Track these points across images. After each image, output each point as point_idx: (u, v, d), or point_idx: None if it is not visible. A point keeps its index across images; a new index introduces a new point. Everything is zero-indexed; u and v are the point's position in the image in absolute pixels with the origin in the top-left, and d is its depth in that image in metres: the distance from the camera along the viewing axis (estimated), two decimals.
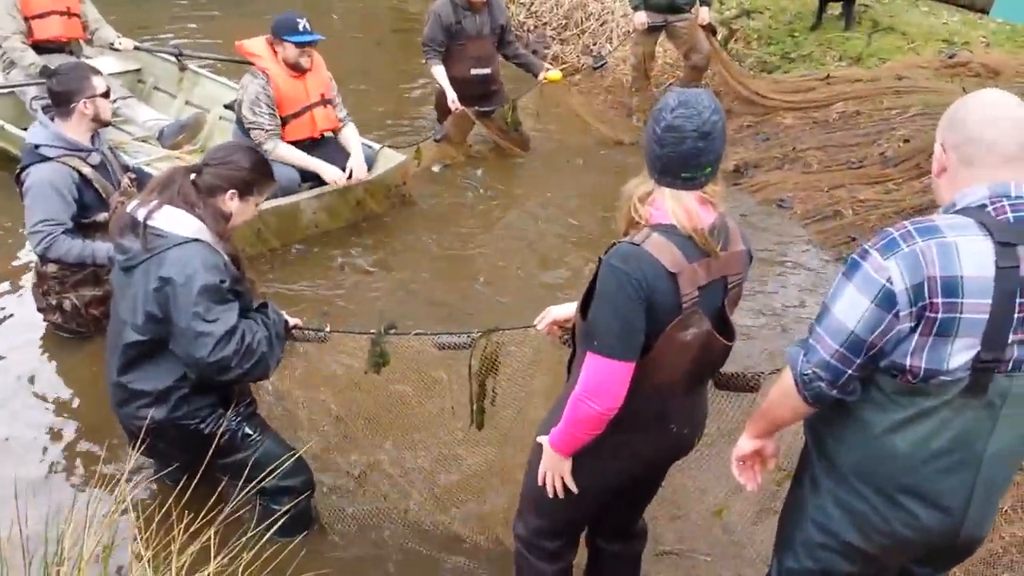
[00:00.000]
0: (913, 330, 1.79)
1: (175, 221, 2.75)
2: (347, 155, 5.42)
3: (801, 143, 6.83)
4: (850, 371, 1.88)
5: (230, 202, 2.90)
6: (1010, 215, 1.76)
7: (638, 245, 2.05)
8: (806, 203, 6.10)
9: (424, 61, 6.39)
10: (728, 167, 6.71)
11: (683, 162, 2.05)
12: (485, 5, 6.28)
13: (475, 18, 6.27)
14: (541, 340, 2.89)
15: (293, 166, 5.21)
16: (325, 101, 5.37)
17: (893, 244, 1.79)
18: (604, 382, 2.10)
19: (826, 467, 2.09)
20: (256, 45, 5.17)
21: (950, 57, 7.76)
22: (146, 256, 2.73)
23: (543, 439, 2.32)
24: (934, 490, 1.93)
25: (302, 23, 5.05)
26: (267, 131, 5.10)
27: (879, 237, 1.83)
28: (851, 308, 1.83)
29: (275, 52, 5.14)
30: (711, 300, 2.16)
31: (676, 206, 2.09)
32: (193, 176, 2.85)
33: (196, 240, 2.75)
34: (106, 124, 3.98)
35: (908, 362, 1.82)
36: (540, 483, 2.38)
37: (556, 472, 2.33)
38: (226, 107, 5.63)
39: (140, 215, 2.76)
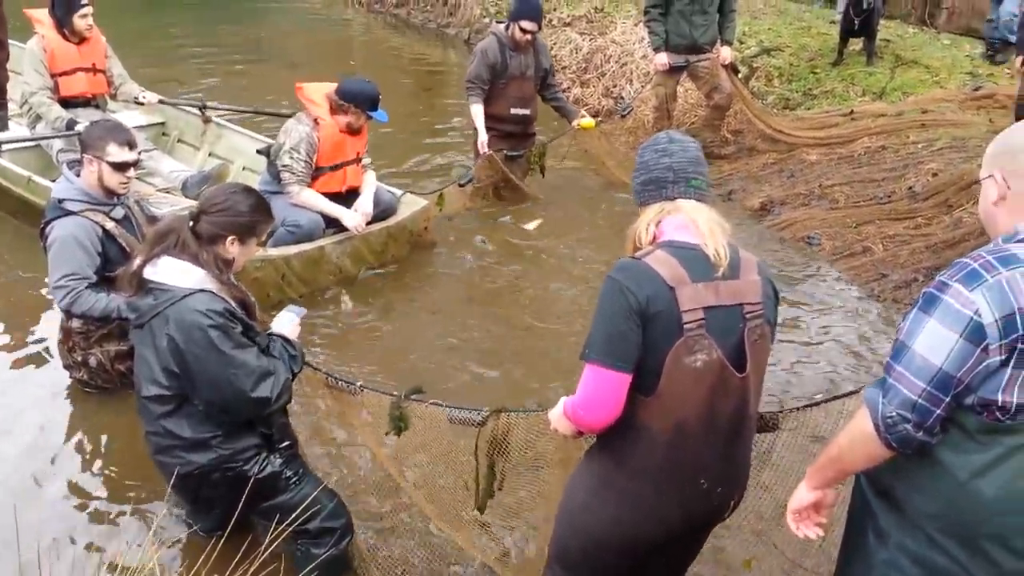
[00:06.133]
0: (1004, 364, 1.71)
1: (177, 273, 2.74)
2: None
3: (827, 179, 6.76)
4: (939, 411, 1.78)
5: (231, 247, 2.88)
6: None
7: (638, 259, 2.08)
8: (834, 240, 6.02)
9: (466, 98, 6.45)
10: (755, 205, 6.67)
11: (693, 166, 2.19)
12: (531, 46, 6.35)
13: (520, 59, 6.36)
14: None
15: (315, 210, 5.25)
16: (358, 159, 5.46)
17: (976, 275, 1.72)
18: (595, 392, 2.09)
19: (894, 517, 1.97)
20: (316, 93, 5.26)
21: (975, 89, 7.71)
22: (153, 313, 2.73)
23: (558, 407, 2.29)
24: (1018, 533, 1.82)
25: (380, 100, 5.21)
26: (297, 176, 5.17)
27: (956, 268, 1.76)
28: (936, 344, 1.74)
29: (333, 108, 5.21)
30: (725, 329, 2.09)
31: (693, 214, 2.15)
32: (192, 224, 2.84)
33: (201, 290, 2.72)
34: (110, 193, 3.86)
35: (1000, 398, 1.73)
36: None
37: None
38: (259, 152, 5.67)
39: (143, 271, 2.75)
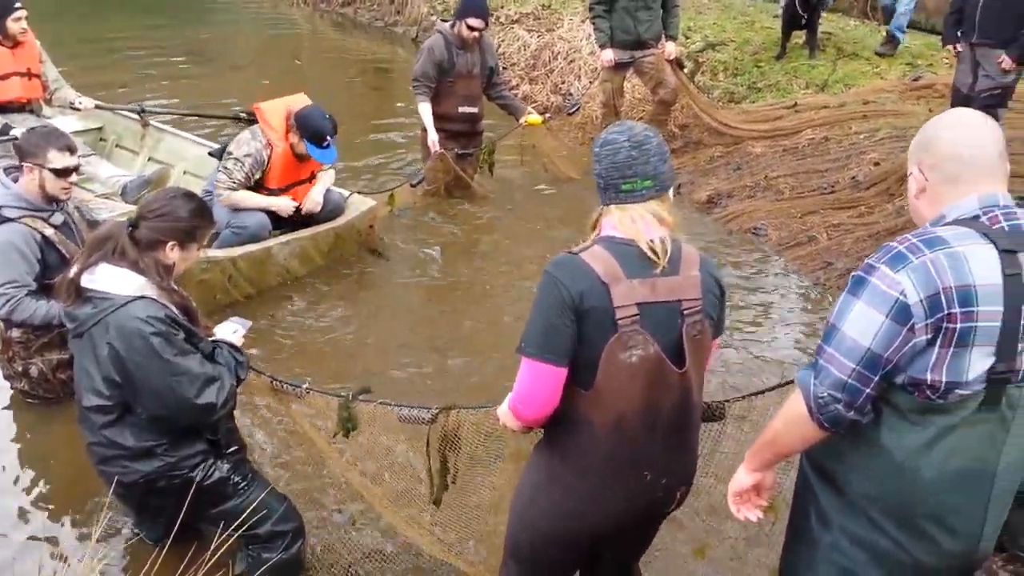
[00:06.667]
0: (931, 343, 1.75)
1: (116, 280, 2.68)
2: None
3: (772, 171, 6.85)
4: (868, 390, 1.82)
5: (171, 253, 2.82)
6: (1004, 223, 1.77)
7: (575, 254, 2.09)
8: (780, 230, 6.10)
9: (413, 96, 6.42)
10: (702, 198, 6.74)
11: (620, 172, 2.11)
12: (477, 44, 6.33)
13: (467, 56, 6.34)
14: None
15: (252, 208, 5.18)
16: (312, 178, 5.43)
17: (901, 257, 1.76)
18: (531, 386, 2.11)
19: (836, 500, 2.00)
20: (275, 116, 5.16)
21: (915, 80, 7.86)
22: (93, 321, 2.67)
23: (505, 402, 2.27)
24: (953, 512, 1.87)
25: (329, 141, 5.09)
26: (232, 182, 5.09)
27: (883, 252, 1.80)
28: (864, 325, 1.78)
29: (288, 130, 5.14)
30: (662, 325, 2.09)
31: (621, 215, 2.13)
32: (130, 230, 2.77)
33: (141, 297, 2.67)
34: (51, 199, 3.80)
35: (929, 376, 1.76)
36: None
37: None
38: (211, 155, 5.60)
39: (81, 279, 2.69)
